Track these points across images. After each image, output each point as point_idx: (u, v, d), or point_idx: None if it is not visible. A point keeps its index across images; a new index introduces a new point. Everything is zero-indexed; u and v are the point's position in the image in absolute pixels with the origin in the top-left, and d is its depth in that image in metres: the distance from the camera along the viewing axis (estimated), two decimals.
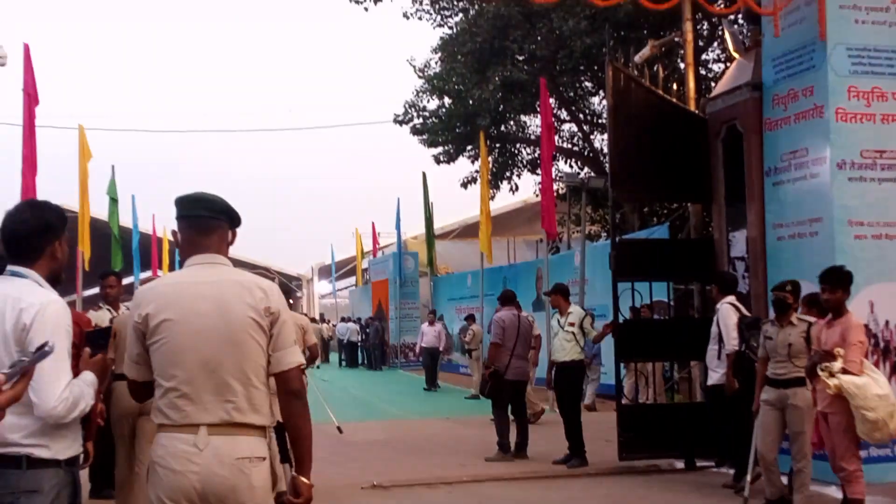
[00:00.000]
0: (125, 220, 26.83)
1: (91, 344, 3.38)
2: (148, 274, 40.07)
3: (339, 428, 6.08)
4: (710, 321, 8.76)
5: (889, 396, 5.94)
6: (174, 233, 3.45)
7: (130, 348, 3.28)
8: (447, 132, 22.46)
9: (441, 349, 21.81)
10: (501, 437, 10.47)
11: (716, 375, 8.53)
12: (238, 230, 3.45)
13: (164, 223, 38.24)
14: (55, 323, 3.01)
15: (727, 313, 8.39)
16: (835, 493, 7.46)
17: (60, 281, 3.32)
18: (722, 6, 15.06)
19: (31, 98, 12.34)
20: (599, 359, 14.96)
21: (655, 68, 10.78)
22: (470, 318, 19.75)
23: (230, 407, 3.13)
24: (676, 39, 14.07)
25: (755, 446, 7.28)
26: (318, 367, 31.62)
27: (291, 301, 57.66)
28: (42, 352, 1.73)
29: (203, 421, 3.10)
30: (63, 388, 3.00)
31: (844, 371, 6.09)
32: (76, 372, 3.16)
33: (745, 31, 11.66)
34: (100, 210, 24.95)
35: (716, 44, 19.76)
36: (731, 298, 8.57)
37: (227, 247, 3.42)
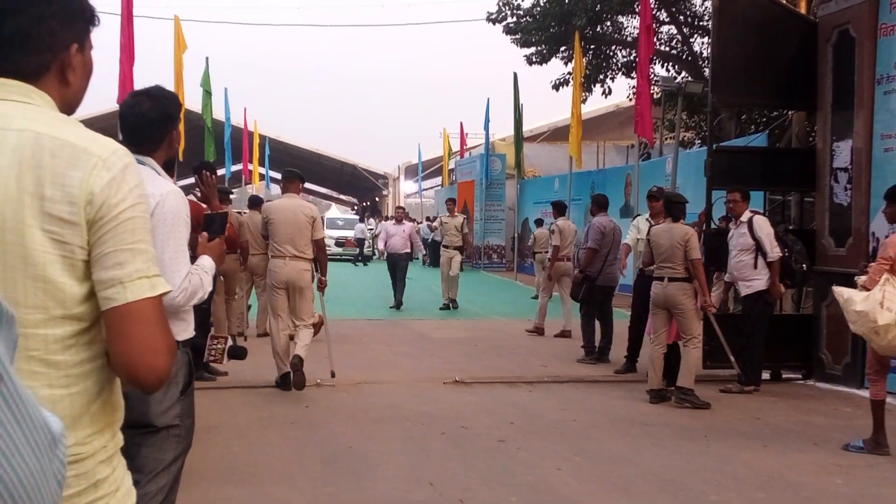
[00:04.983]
0: (218, 112, 27.13)
1: (208, 228, 3.44)
2: (239, 167, 40.74)
3: (332, 372, 8.70)
4: (808, 233, 8.57)
5: (868, 314, 5.97)
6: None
7: (262, 228, 8.45)
8: (541, 32, 21.92)
9: (412, 254, 17.32)
10: (588, 341, 10.52)
11: (756, 283, 8.72)
12: (303, 180, 8.78)
13: (254, 117, 38.74)
14: (175, 213, 3.06)
15: (764, 223, 8.79)
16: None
17: (174, 168, 3.38)
18: None
19: None
20: None
21: None
22: (538, 222, 19.47)
23: (297, 251, 8.15)
24: None
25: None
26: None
27: (378, 199, 58.16)
28: None
29: (287, 254, 8.12)
30: (182, 278, 3.09)
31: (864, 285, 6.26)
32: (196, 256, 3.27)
33: None
34: (193, 102, 25.32)
35: None
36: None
37: (300, 189, 8.59)
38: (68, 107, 1.65)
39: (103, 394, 1.60)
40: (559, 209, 12.89)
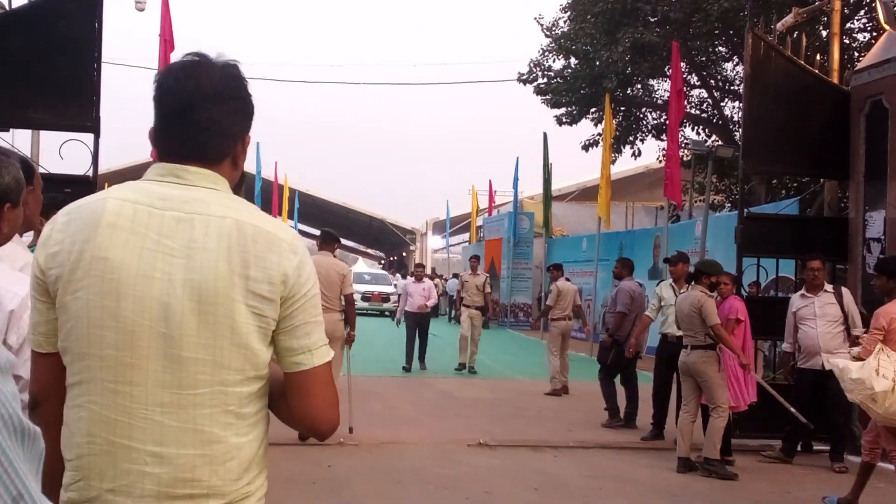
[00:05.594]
0: (249, 166, 27.49)
1: None
2: None
3: (350, 428, 8.72)
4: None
5: (865, 381, 6.06)
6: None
7: None
8: (571, 93, 22.12)
9: (436, 310, 15.72)
10: (611, 404, 10.40)
11: (844, 357, 8.26)
12: (339, 242, 10.15)
13: (285, 171, 39.20)
14: None
15: (851, 296, 8.62)
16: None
17: None
18: None
19: (167, 44, 12.62)
20: None
21: (795, 35, 10.32)
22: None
23: (328, 304, 8.41)
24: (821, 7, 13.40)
25: None
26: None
27: (405, 254, 58.37)
28: None
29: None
30: None
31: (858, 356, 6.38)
32: None
33: None
34: None
35: (862, 12, 18.79)
36: None
37: (335, 250, 9.56)
38: (232, 185, 1.89)
39: (265, 440, 1.86)
40: (560, 270, 14.00)
